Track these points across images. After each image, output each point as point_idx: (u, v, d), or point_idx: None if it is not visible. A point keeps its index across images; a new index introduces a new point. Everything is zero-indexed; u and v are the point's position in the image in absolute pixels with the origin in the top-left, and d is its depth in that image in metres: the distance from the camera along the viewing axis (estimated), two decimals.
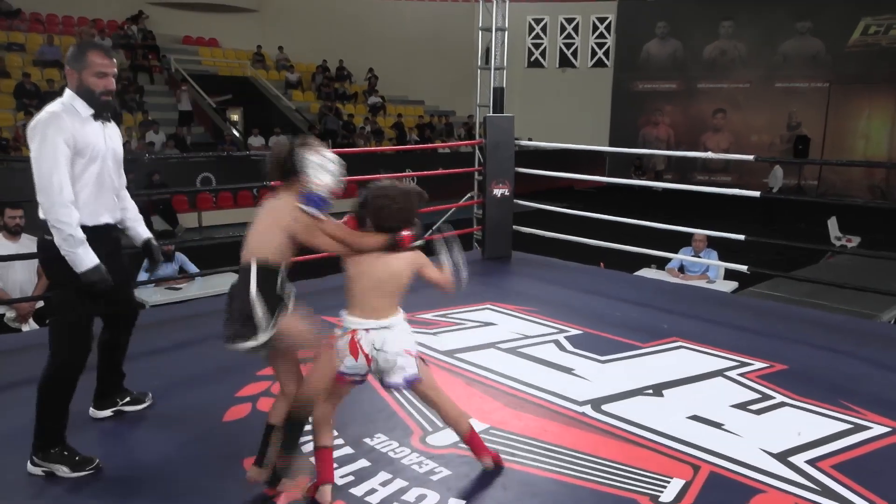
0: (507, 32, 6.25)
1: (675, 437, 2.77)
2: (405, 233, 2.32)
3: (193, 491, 2.38)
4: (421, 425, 2.85)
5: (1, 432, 2.77)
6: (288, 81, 18.05)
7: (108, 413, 2.89)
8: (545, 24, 20.73)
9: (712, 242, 6.21)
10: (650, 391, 3.25)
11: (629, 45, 20.49)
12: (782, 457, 2.63)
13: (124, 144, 9.59)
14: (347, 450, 2.64)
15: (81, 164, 2.46)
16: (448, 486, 2.41)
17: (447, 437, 2.76)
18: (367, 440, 2.72)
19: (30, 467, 2.45)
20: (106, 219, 2.59)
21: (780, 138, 19.14)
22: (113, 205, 2.65)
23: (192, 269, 6.05)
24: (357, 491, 2.36)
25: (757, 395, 3.21)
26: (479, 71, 6.45)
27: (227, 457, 2.58)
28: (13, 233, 4.45)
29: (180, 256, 6.11)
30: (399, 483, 2.42)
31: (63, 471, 2.43)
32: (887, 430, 2.87)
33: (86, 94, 2.49)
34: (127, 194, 2.83)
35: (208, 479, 2.44)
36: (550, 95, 20.28)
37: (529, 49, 20.97)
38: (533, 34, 20.79)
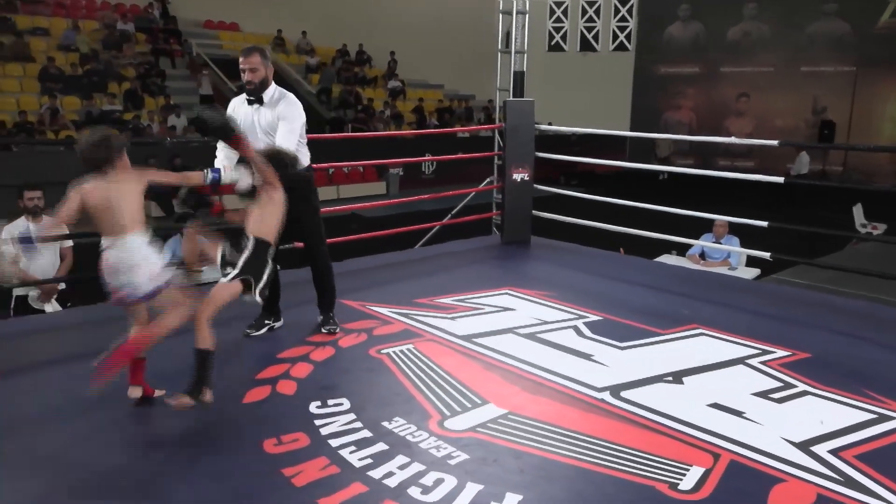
0: (527, 15, 6.17)
1: (695, 425, 2.75)
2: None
3: (213, 471, 2.41)
4: (439, 409, 2.86)
5: (26, 413, 2.82)
6: (308, 66, 18.04)
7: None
8: (566, 8, 20.37)
9: (734, 229, 6.13)
10: (670, 378, 3.23)
11: (651, 29, 20.14)
12: (804, 446, 2.60)
13: (145, 127, 9.72)
14: (366, 433, 2.65)
15: None
16: (465, 469, 2.41)
17: (465, 421, 2.76)
18: (386, 423, 2.73)
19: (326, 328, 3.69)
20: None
21: (805, 123, 18.78)
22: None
23: None
24: (375, 474, 2.38)
25: (779, 384, 3.18)
26: (499, 54, 6.39)
27: (246, 437, 2.61)
28: (34, 214, 4.48)
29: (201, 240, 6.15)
30: (417, 467, 2.43)
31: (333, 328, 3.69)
32: None
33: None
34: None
35: (228, 460, 2.47)
36: (571, 79, 20.03)
37: (550, 32, 20.62)
38: (554, 17, 20.46)
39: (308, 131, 3.63)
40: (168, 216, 11.01)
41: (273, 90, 3.45)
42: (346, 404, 2.89)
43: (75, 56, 13.85)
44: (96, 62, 14.03)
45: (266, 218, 2.97)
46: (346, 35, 19.16)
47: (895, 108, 17.94)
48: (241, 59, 3.37)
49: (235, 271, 2.86)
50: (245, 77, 3.37)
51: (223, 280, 2.87)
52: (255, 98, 3.41)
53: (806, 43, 18.56)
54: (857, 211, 10.13)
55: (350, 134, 14.14)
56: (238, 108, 3.49)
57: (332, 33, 19.00)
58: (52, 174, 2.81)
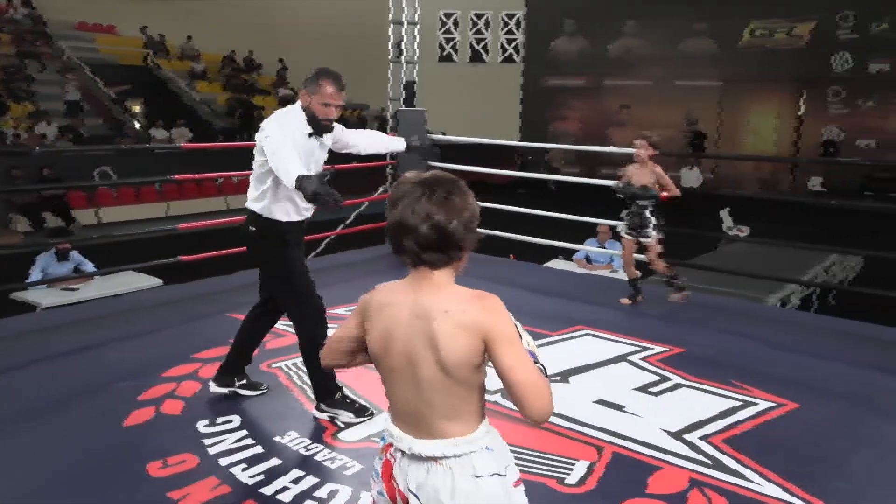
0: (418, 26, 6.26)
1: (581, 422, 2.89)
2: None
3: (92, 500, 2.27)
4: (334, 421, 2.84)
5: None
6: (193, 72, 17.36)
7: (223, 391, 3.01)
8: (456, 19, 20.86)
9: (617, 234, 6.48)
10: (558, 378, 3.37)
11: (538, 42, 20.93)
12: (678, 434, 2.80)
13: (12, 136, 8.98)
14: (258, 449, 2.60)
15: None
16: (361, 479, 2.41)
17: (360, 431, 2.76)
18: (279, 438, 2.69)
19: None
20: (296, 217, 2.92)
21: (680, 133, 20.11)
22: (305, 207, 2.93)
23: (90, 268, 5.74)
24: (268, 490, 2.33)
25: (656, 378, 3.39)
26: (390, 64, 6.44)
27: (129, 462, 2.48)
28: None
29: (76, 255, 5.78)
30: (311, 480, 2.40)
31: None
32: (771, 405, 3.10)
33: (309, 116, 2.84)
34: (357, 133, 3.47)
35: (111, 486, 2.34)
36: (462, 90, 20.45)
37: (441, 43, 21.05)
38: (444, 28, 20.88)
39: (194, 140, 3.47)
40: (38, 231, 10.27)
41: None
42: (237, 421, 2.81)
43: None
44: None
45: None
46: (233, 41, 18.60)
47: (756, 120, 19.57)
48: (332, 92, 2.78)
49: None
50: (330, 114, 2.84)
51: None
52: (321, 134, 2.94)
53: (679, 59, 19.90)
54: (725, 215, 10.95)
55: (233, 143, 13.72)
56: (301, 137, 2.87)
57: (219, 39, 18.38)
58: None
